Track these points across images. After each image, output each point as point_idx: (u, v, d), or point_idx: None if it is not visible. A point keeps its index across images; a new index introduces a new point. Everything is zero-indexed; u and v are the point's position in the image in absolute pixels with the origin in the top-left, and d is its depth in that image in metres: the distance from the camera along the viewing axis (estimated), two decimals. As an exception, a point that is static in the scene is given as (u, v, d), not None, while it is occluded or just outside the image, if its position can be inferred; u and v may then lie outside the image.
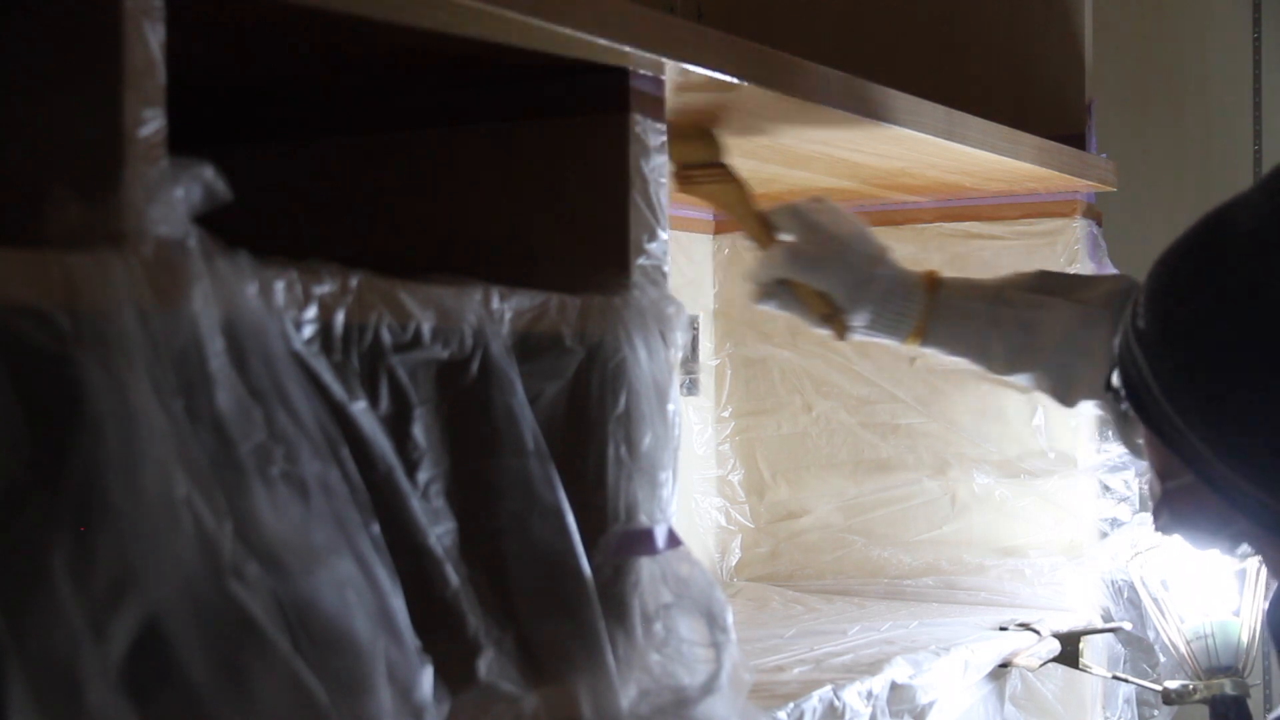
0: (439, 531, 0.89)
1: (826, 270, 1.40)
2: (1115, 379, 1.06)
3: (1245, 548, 1.08)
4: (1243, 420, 0.98)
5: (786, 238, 1.41)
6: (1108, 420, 1.79)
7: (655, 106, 1.06)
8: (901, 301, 1.42)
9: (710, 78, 1.09)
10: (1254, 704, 1.75)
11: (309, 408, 0.76)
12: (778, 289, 1.42)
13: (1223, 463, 1.00)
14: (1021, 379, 1.48)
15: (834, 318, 1.42)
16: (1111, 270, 1.88)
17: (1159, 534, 1.13)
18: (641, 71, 1.05)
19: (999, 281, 1.47)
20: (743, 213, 1.41)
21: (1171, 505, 1.07)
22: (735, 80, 1.11)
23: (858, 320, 1.42)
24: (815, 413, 2.03)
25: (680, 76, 1.07)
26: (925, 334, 1.44)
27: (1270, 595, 1.21)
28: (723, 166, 1.38)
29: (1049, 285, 1.46)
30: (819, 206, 1.42)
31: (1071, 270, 1.85)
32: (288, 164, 1.17)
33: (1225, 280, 0.98)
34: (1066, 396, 1.45)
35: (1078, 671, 1.78)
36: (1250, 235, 0.98)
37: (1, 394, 0.66)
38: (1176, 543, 1.75)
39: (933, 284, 1.43)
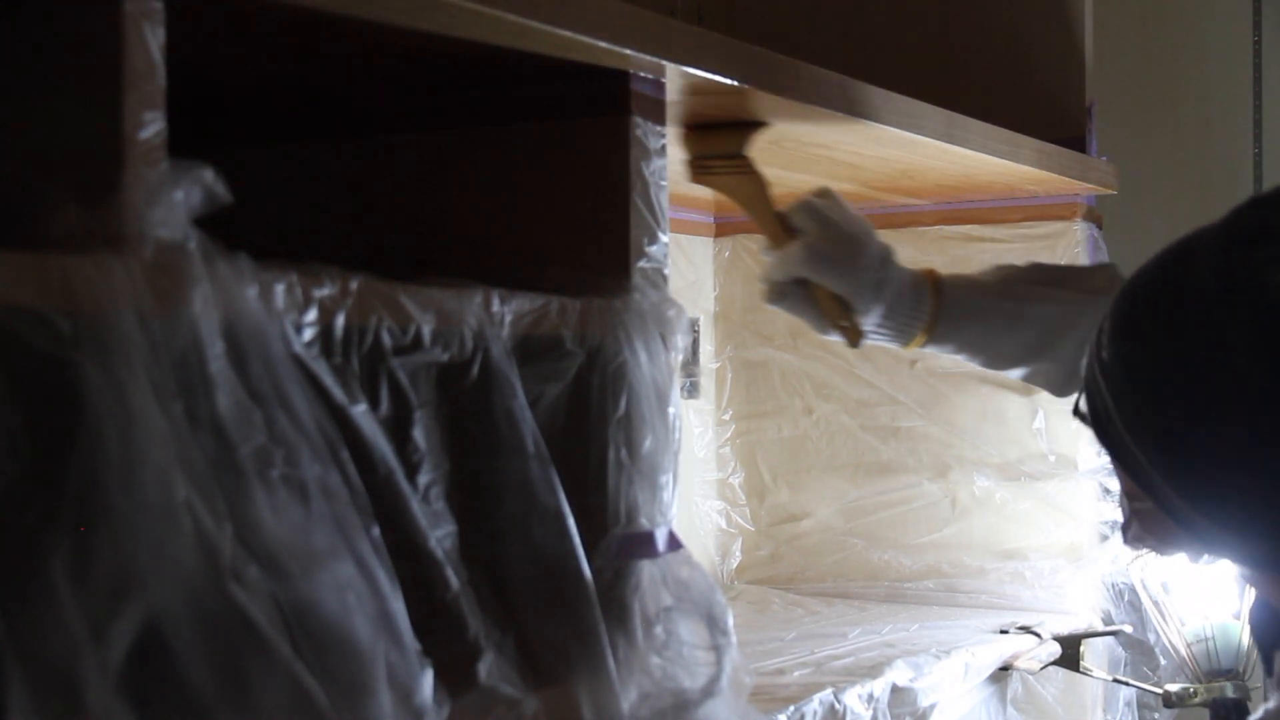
0: (439, 534, 0.89)
1: (843, 270, 1.36)
2: (1083, 404, 1.07)
3: (1209, 557, 1.10)
4: (1198, 465, 0.99)
5: (803, 236, 1.37)
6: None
7: (656, 109, 1.06)
8: (913, 303, 1.41)
9: (711, 80, 1.09)
10: (1254, 706, 1.74)
11: (309, 410, 0.76)
12: (791, 290, 1.38)
13: (1180, 498, 1.01)
14: (1018, 372, 1.48)
15: (847, 324, 1.38)
16: (1110, 270, 1.87)
17: (1128, 547, 1.15)
18: (642, 74, 1.05)
19: (999, 277, 1.47)
20: (759, 209, 1.36)
21: (1137, 524, 1.09)
22: (736, 83, 1.11)
23: (869, 322, 1.39)
24: (816, 415, 2.02)
25: (681, 79, 1.07)
26: (931, 333, 1.43)
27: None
28: (743, 159, 1.32)
29: (1049, 277, 1.46)
30: (831, 204, 1.38)
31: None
32: (288, 164, 1.17)
33: (1184, 331, 0.98)
34: (1065, 387, 1.45)
35: (1078, 674, 1.78)
36: (1208, 286, 0.98)
37: (1, 396, 0.66)
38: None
39: (936, 283, 1.43)
